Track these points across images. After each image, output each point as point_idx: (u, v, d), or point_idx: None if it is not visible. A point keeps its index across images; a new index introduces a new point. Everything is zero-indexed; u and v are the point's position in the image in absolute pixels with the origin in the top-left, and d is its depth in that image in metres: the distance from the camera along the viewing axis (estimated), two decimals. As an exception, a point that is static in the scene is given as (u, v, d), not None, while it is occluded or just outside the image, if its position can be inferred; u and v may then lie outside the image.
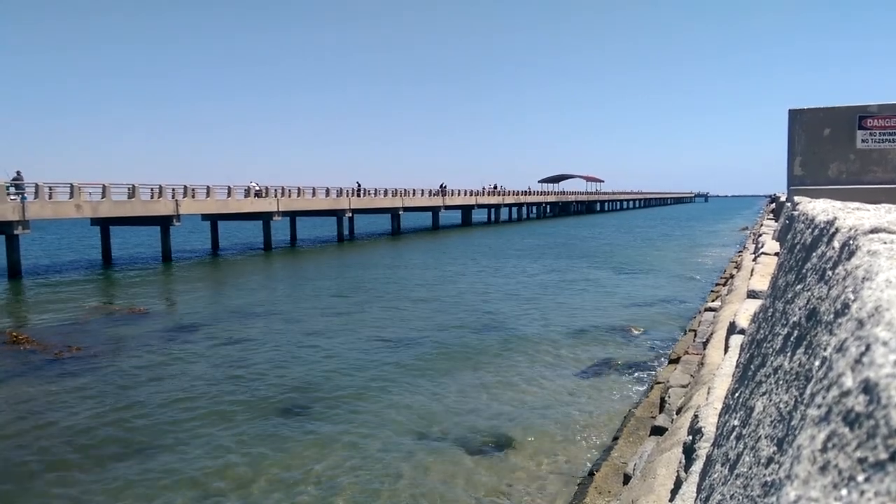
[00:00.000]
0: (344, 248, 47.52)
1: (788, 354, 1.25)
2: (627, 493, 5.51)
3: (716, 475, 1.67)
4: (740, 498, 1.21)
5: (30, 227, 30.84)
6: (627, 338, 16.90)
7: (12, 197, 30.29)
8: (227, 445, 9.93)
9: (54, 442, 10.19)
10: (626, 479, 6.66)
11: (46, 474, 9.06)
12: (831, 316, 1.00)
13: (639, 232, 65.02)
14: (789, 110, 8.54)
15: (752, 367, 1.73)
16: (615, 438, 9.56)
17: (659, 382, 10.97)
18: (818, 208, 1.68)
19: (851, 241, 1.13)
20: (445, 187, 69.70)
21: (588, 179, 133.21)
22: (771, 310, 1.74)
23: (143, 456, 9.57)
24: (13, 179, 31.05)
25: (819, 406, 0.80)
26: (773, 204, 31.41)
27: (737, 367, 2.22)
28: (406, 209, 62.22)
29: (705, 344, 10.12)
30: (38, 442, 10.21)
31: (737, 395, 1.86)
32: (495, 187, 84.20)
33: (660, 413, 8.51)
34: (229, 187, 43.95)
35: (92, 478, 8.92)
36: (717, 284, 23.41)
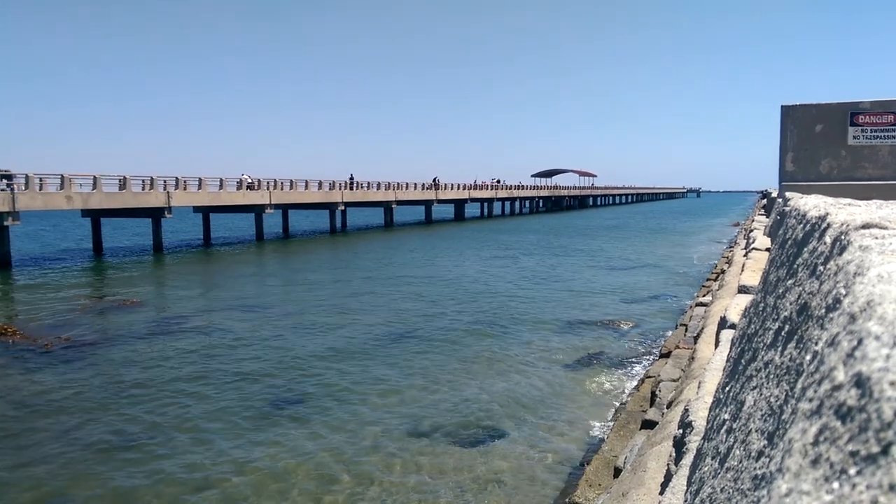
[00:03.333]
0: (336, 241, 47.43)
1: (779, 349, 1.25)
2: (618, 486, 5.54)
3: (706, 468, 1.68)
4: (731, 491, 1.21)
5: (20, 218, 30.62)
6: (618, 332, 16.97)
7: (2, 188, 30.07)
8: (216, 438, 9.91)
9: (41, 435, 10.14)
10: (617, 472, 6.70)
11: (33, 467, 9.02)
12: (823, 311, 1.00)
13: (631, 227, 65.19)
14: (782, 106, 8.57)
15: (742, 361, 1.73)
16: (606, 432, 9.61)
17: (650, 376, 11.02)
18: (810, 204, 1.69)
19: (843, 237, 1.14)
20: (438, 181, 69.68)
21: (581, 174, 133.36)
22: (762, 304, 1.74)
23: (132, 449, 9.54)
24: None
25: (810, 400, 0.80)
26: (765, 200, 31.57)
27: (727, 361, 2.23)
28: (399, 203, 62.14)
29: (696, 338, 10.18)
30: (24, 435, 10.16)
31: (727, 389, 1.87)
32: (498, 181, 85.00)
33: (650, 407, 8.56)
34: (221, 179, 43.77)
35: (79, 471, 8.88)
36: (708, 279, 23.51)
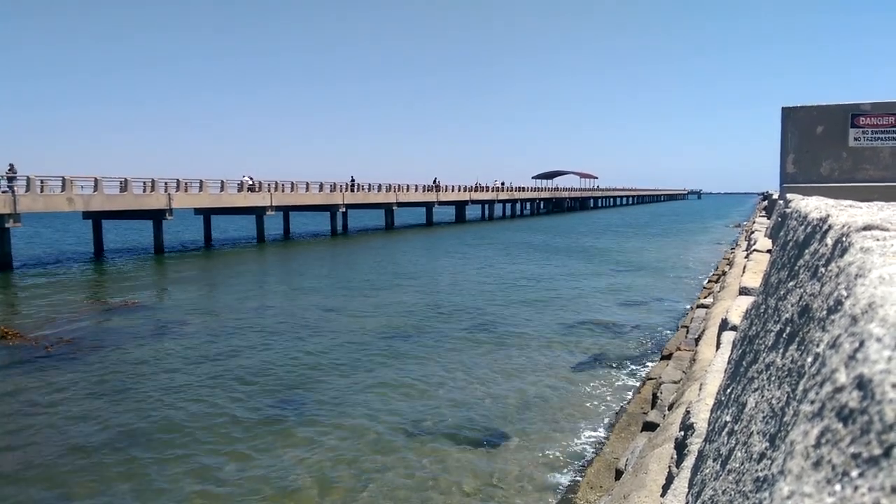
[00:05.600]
0: (337, 243, 47.43)
1: (781, 351, 1.25)
2: (619, 489, 5.53)
3: (707, 470, 1.68)
4: (732, 493, 1.21)
5: (21, 220, 30.65)
6: (619, 334, 16.96)
7: (4, 190, 30.14)
8: (217, 439, 9.90)
9: (42, 438, 10.13)
10: (618, 474, 6.69)
11: (35, 470, 9.02)
12: (824, 312, 1.00)
13: (632, 228, 65.17)
14: (782, 108, 8.56)
15: (744, 363, 1.73)
16: (607, 434, 9.60)
17: (651, 378, 11.02)
18: (811, 206, 1.68)
19: (844, 238, 1.14)
20: (439, 183, 69.68)
21: (582, 176, 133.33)
22: (763, 306, 1.74)
23: (133, 451, 9.54)
24: (8, 171, 30.91)
25: (812, 402, 0.80)
26: (766, 201, 31.54)
27: (729, 363, 2.22)
28: (400, 204, 62.16)
29: (697, 340, 10.17)
30: (25, 438, 10.16)
31: (729, 391, 1.87)
32: (503, 184, 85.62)
33: (652, 409, 8.55)
34: (222, 181, 43.81)
35: (81, 473, 8.88)
36: (709, 281, 23.51)
